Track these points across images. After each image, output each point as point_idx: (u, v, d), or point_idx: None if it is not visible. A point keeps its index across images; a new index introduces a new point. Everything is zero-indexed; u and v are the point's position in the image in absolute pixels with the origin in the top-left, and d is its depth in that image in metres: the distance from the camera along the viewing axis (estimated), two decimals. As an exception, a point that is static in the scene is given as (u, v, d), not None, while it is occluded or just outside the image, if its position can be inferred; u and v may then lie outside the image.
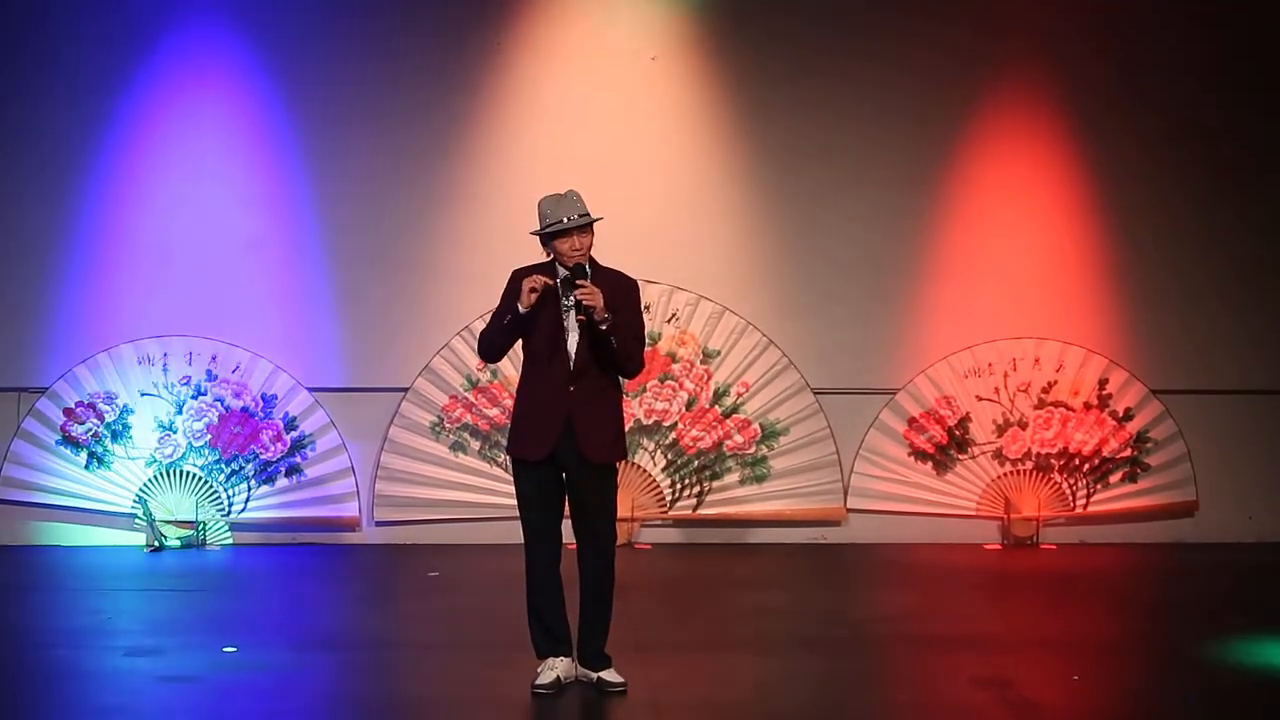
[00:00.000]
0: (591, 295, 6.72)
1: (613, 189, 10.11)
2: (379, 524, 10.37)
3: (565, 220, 6.79)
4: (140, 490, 10.20)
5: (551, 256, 6.89)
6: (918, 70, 10.54)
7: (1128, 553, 10.36)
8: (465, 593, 9.11)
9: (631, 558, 9.83)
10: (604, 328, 6.76)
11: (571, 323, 6.85)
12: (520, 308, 6.79)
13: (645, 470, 10.42)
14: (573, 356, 6.85)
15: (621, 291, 6.90)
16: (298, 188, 10.42)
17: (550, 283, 6.80)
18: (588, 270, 6.83)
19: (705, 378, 10.47)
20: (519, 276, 6.95)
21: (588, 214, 6.84)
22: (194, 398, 10.28)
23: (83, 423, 10.20)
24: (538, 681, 6.92)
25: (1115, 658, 7.72)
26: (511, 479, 7.07)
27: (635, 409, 10.36)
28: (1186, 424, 10.55)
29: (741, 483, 10.46)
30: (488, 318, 9.96)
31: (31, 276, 10.31)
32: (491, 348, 7.02)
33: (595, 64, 10.53)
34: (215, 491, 10.26)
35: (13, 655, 7.61)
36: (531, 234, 6.91)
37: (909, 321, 10.63)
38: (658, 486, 10.43)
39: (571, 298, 6.80)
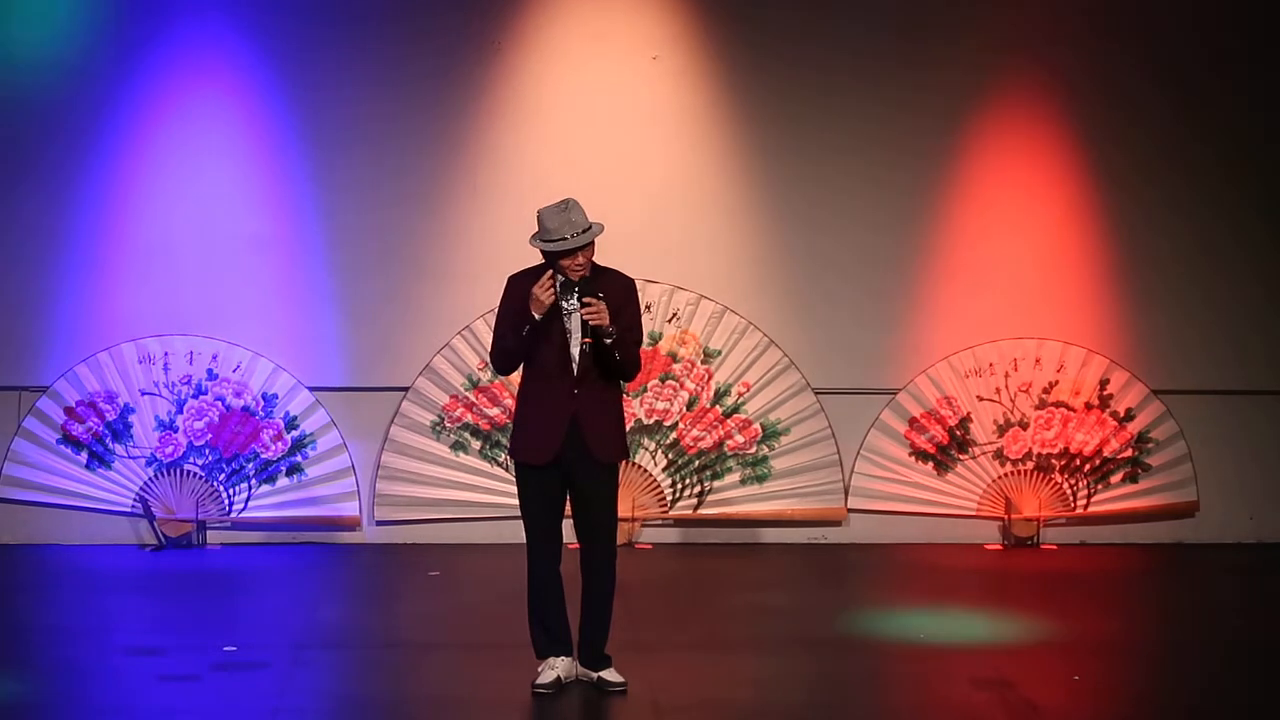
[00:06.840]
0: (598, 315, 6.72)
1: (614, 189, 10.12)
2: (379, 524, 10.36)
3: (569, 238, 6.75)
4: (141, 489, 10.20)
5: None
6: (919, 70, 10.52)
7: (1128, 553, 10.35)
8: (465, 593, 9.11)
9: (632, 558, 9.83)
10: (609, 341, 6.76)
11: (574, 325, 6.85)
12: (535, 315, 6.76)
13: (646, 470, 10.41)
14: (576, 360, 6.85)
15: (621, 292, 6.90)
16: (299, 187, 10.41)
17: (556, 279, 6.78)
18: (576, 286, 6.81)
19: (706, 377, 10.47)
20: (515, 282, 6.95)
21: (590, 227, 6.79)
22: (195, 397, 10.28)
23: (83, 421, 10.20)
24: (538, 681, 6.93)
25: (1115, 658, 7.72)
26: (513, 479, 7.07)
27: (636, 409, 10.36)
28: (1187, 424, 10.53)
29: (742, 483, 10.46)
30: (489, 317, 10.09)
31: (32, 275, 10.30)
32: (506, 359, 6.98)
33: (596, 64, 10.51)
34: (216, 491, 10.26)
35: (13, 655, 7.61)
36: (530, 243, 6.87)
37: (910, 321, 10.62)
38: (658, 486, 10.43)
39: (573, 300, 6.80)
